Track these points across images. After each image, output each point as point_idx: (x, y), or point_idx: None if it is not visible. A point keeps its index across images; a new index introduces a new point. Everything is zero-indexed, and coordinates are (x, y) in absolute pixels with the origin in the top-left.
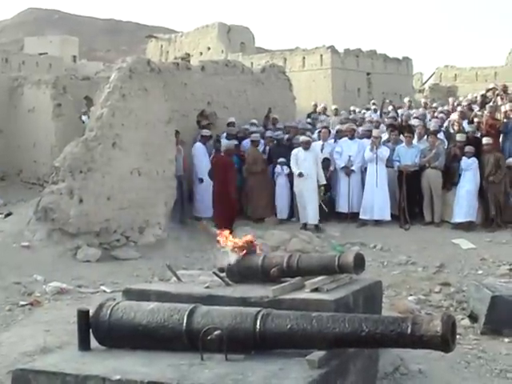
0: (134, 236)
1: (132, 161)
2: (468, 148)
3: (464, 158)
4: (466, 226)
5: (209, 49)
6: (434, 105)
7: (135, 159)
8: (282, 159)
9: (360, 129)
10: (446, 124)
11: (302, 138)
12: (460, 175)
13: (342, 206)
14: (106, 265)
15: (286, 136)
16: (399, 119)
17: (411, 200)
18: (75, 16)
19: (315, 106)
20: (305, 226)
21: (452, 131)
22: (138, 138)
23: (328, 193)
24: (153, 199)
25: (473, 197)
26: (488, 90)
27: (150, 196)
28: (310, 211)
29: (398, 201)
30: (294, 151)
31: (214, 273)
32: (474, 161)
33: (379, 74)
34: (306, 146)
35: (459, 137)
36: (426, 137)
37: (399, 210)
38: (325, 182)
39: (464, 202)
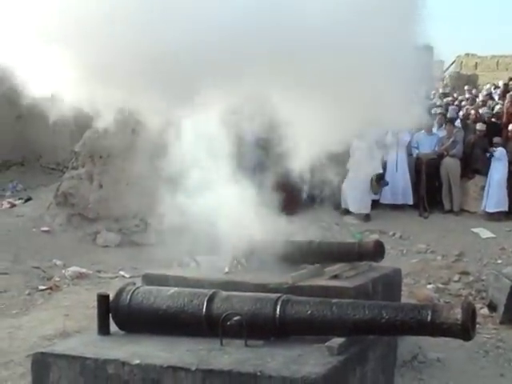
0: (153, 221)
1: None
2: (496, 139)
3: (493, 148)
4: (498, 217)
5: None
6: (455, 95)
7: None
8: None
9: None
10: (462, 112)
11: None
12: (489, 165)
13: None
14: (125, 250)
15: None
16: None
17: (430, 188)
18: None
19: None
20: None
21: (468, 121)
22: None
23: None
24: None
25: (502, 187)
26: (511, 79)
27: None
28: (352, 200)
29: (417, 189)
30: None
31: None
32: (502, 150)
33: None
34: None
35: (479, 126)
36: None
37: (418, 198)
38: (380, 171)
39: (495, 192)
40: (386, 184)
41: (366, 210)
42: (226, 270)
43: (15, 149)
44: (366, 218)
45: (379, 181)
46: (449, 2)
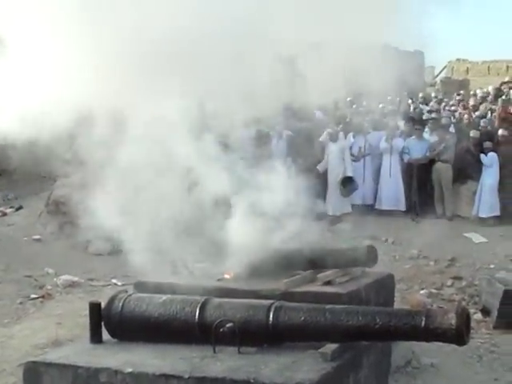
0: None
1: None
2: (486, 144)
3: (482, 154)
4: (491, 222)
5: None
6: (446, 100)
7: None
8: None
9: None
10: (454, 117)
11: (329, 130)
12: (481, 170)
13: (356, 198)
14: (117, 258)
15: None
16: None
17: (422, 193)
18: None
19: None
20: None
21: (461, 125)
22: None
23: (349, 185)
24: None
25: (495, 191)
26: (502, 84)
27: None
28: (331, 203)
29: (409, 194)
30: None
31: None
32: (493, 155)
33: (391, 67)
34: (332, 137)
35: (473, 133)
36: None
37: (410, 203)
38: (349, 175)
39: (487, 197)
40: (355, 188)
41: (338, 212)
42: (219, 276)
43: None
44: (336, 219)
45: (346, 184)
46: (439, 7)
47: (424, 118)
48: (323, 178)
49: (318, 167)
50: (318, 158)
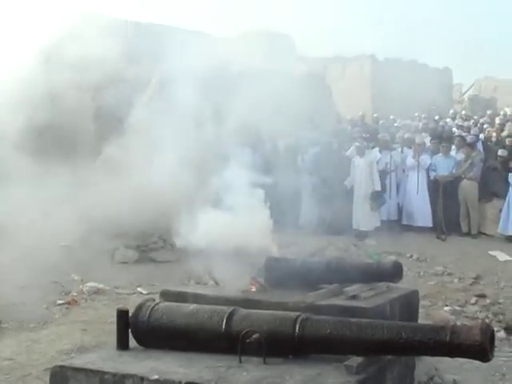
0: (171, 239)
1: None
2: None
3: (510, 173)
4: None
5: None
6: (475, 117)
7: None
8: None
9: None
10: (483, 135)
11: (357, 144)
12: (507, 189)
13: (381, 214)
14: (142, 267)
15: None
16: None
17: (448, 211)
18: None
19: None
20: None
21: (489, 143)
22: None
23: (378, 199)
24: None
25: None
26: None
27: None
28: (359, 218)
29: (435, 211)
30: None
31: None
32: None
33: (419, 83)
34: (360, 152)
35: (501, 152)
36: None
37: (436, 220)
38: (378, 189)
39: None
40: (383, 203)
41: (367, 227)
42: (245, 288)
43: None
44: (362, 234)
45: (376, 199)
46: (467, 25)
47: (453, 135)
48: (349, 192)
49: (345, 183)
50: (345, 172)
